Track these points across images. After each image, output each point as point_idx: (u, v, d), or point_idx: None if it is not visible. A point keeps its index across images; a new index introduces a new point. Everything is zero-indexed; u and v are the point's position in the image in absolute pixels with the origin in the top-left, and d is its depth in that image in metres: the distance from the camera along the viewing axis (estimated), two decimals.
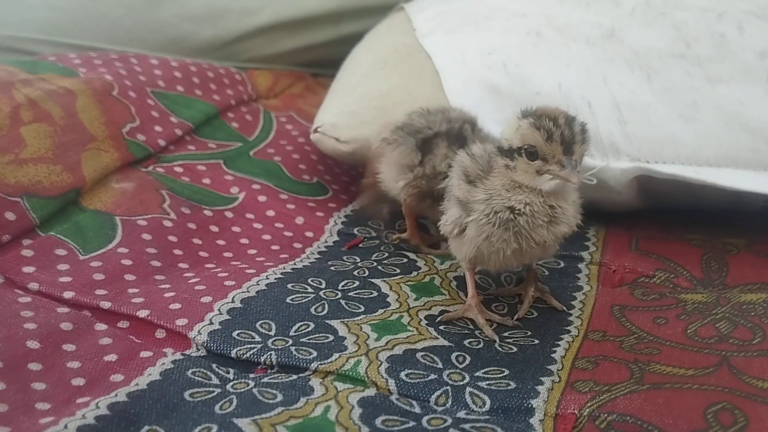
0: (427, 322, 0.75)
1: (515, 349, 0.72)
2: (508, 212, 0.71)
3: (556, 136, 0.68)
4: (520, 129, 0.70)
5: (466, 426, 0.58)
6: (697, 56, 0.96)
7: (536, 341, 0.74)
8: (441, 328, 0.75)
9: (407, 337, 0.72)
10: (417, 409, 0.61)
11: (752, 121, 0.91)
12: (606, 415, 0.61)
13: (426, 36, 1.08)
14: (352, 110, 1.01)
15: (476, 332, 0.75)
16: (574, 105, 0.94)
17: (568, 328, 0.76)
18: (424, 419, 0.59)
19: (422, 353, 0.69)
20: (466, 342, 0.72)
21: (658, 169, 0.91)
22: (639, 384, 0.65)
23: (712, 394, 0.63)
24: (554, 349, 0.72)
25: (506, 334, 0.75)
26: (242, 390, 0.63)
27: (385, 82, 1.03)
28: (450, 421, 0.59)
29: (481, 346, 0.72)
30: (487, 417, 0.61)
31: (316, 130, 1.02)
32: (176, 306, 0.75)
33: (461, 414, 0.61)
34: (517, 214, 0.71)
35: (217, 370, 0.66)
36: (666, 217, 1.02)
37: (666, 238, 0.95)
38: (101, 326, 0.72)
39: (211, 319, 0.73)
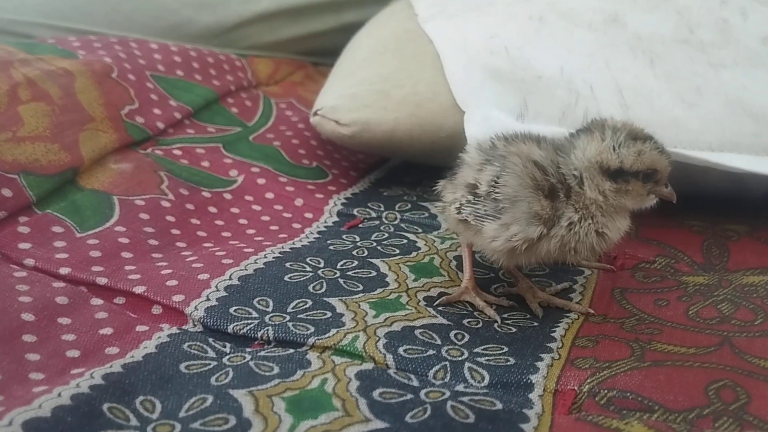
0: (425, 303, 0.75)
1: (514, 330, 0.71)
2: (596, 235, 0.69)
3: (671, 158, 0.69)
4: (645, 153, 0.68)
5: (465, 399, 0.58)
6: (700, 42, 0.95)
7: (535, 323, 0.73)
8: (440, 308, 0.74)
9: (406, 315, 0.71)
10: (415, 383, 0.60)
11: (755, 107, 0.91)
12: (606, 391, 0.61)
13: (427, 21, 1.08)
14: (352, 93, 1.00)
15: (475, 313, 0.74)
16: (576, 89, 0.93)
17: (568, 312, 0.75)
18: (422, 392, 0.59)
19: (421, 330, 0.69)
20: (465, 321, 0.72)
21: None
22: (640, 361, 0.65)
23: (713, 372, 0.63)
24: (554, 329, 0.72)
25: (505, 315, 0.74)
26: (239, 363, 0.62)
27: (385, 66, 1.02)
28: (448, 394, 0.58)
29: (480, 325, 0.71)
30: (486, 391, 0.60)
31: (316, 113, 1.02)
32: (173, 283, 0.75)
33: (460, 387, 0.60)
34: (602, 236, 0.70)
35: (213, 344, 0.66)
36: (667, 204, 1.01)
37: (666, 225, 0.95)
38: (97, 301, 0.71)
39: (208, 296, 0.73)
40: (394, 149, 1.01)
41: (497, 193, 0.69)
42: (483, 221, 0.71)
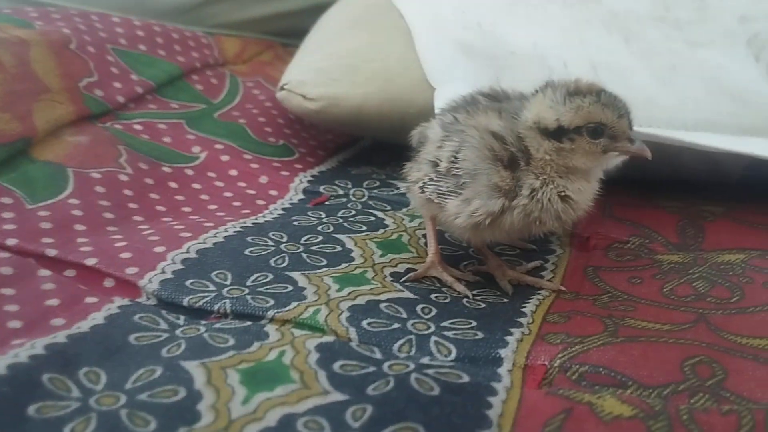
0: (392, 278, 0.72)
1: (484, 305, 0.69)
2: (560, 201, 0.66)
3: (624, 111, 0.65)
4: (583, 108, 0.64)
5: (430, 371, 0.55)
6: (676, 19, 0.94)
7: (505, 300, 0.70)
8: (407, 283, 0.71)
9: (371, 289, 0.68)
10: (378, 355, 0.57)
11: (731, 85, 0.89)
12: (578, 366, 0.58)
13: None
14: (320, 67, 0.97)
15: (444, 288, 0.71)
16: (550, 65, 0.91)
17: (539, 289, 0.73)
18: (385, 365, 0.55)
19: (386, 304, 0.66)
20: (432, 296, 0.69)
21: (636, 131, 0.88)
22: (613, 337, 0.62)
23: (689, 348, 0.61)
24: (525, 305, 0.69)
25: (475, 292, 0.71)
26: (192, 335, 0.59)
27: (355, 40, 0.99)
28: (413, 366, 0.55)
29: (448, 300, 0.69)
30: (453, 364, 0.57)
31: (282, 88, 0.98)
32: (127, 255, 0.71)
33: (425, 360, 0.57)
34: (570, 202, 0.66)
35: (166, 316, 0.62)
36: (642, 186, 0.99)
37: (641, 206, 0.92)
38: (45, 272, 0.67)
39: (163, 268, 0.69)
40: (362, 126, 0.98)
41: (457, 168, 0.67)
42: (446, 198, 0.68)
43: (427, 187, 0.70)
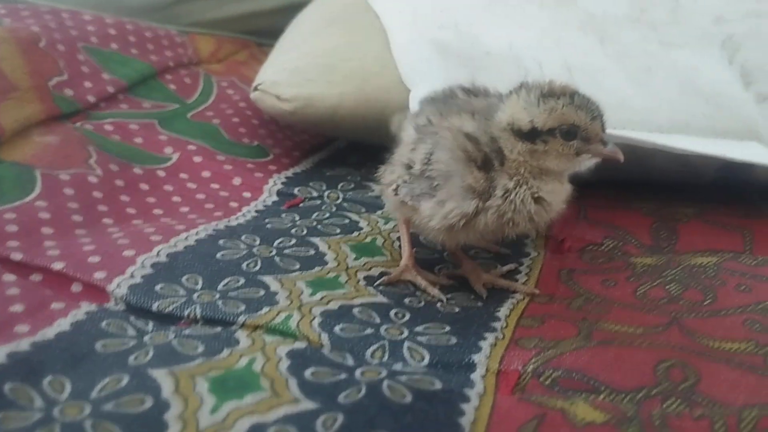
0: (365, 282, 0.71)
1: (458, 309, 0.68)
2: (533, 202, 0.65)
3: (597, 113, 0.64)
4: (557, 110, 0.63)
5: (402, 378, 0.54)
6: (651, 21, 0.94)
7: (479, 304, 0.70)
8: (380, 288, 0.70)
9: (344, 293, 0.67)
10: (350, 362, 0.56)
11: (706, 87, 0.89)
12: (551, 371, 0.58)
13: None
14: (295, 67, 0.96)
15: (417, 293, 0.70)
16: (526, 66, 0.91)
17: (513, 293, 0.72)
18: (357, 371, 0.55)
19: (359, 309, 0.65)
20: (406, 300, 0.68)
21: (608, 133, 0.88)
22: (587, 340, 0.62)
23: (662, 352, 0.60)
24: (498, 309, 0.68)
25: (449, 296, 0.71)
26: (161, 342, 0.58)
27: (331, 39, 0.98)
28: (385, 373, 0.55)
29: (422, 305, 0.68)
30: (425, 370, 0.57)
31: (256, 88, 0.97)
32: (95, 259, 0.69)
33: (398, 367, 0.57)
34: (543, 204, 0.66)
35: (134, 322, 0.61)
36: (616, 187, 0.99)
37: (615, 208, 0.92)
38: (10, 277, 0.66)
39: (132, 273, 0.68)
40: (338, 126, 0.97)
41: (430, 170, 0.66)
42: (419, 201, 0.67)
43: (400, 190, 0.70)
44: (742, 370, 0.58)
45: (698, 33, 0.92)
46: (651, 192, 0.95)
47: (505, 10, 0.96)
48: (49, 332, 0.58)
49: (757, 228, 0.86)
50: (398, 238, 0.79)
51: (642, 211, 0.91)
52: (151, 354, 0.55)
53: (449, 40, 0.93)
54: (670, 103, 0.89)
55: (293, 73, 0.95)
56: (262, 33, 1.39)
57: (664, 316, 0.67)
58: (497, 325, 0.65)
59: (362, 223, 0.83)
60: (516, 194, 0.65)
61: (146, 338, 0.58)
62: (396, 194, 0.70)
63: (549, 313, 0.68)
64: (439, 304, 0.68)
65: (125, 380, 0.52)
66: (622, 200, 0.95)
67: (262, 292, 0.66)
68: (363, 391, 0.52)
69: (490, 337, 0.62)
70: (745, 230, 0.85)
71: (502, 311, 0.68)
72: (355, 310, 0.65)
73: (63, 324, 0.60)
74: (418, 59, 0.93)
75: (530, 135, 0.64)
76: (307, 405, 0.50)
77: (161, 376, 0.52)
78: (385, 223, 0.83)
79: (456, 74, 0.91)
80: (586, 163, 0.66)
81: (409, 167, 0.69)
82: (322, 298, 0.66)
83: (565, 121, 0.64)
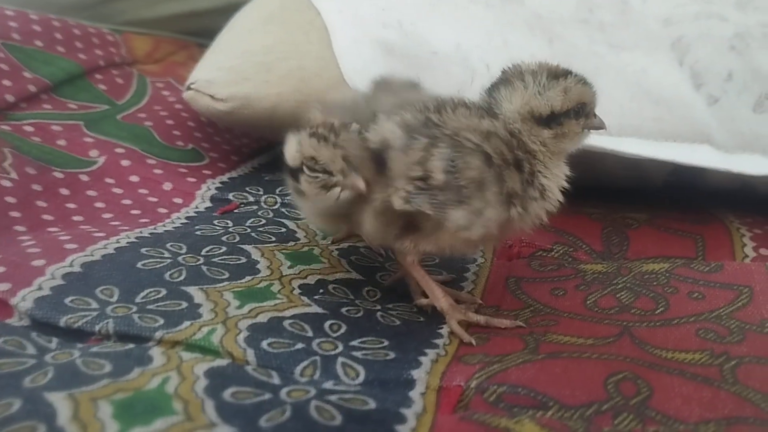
0: (300, 291, 0.66)
1: (398, 322, 0.63)
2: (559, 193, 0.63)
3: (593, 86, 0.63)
4: (570, 89, 0.61)
5: (332, 398, 0.49)
6: (600, 22, 0.91)
7: (422, 318, 0.65)
8: (316, 296, 0.65)
9: (275, 305, 0.62)
10: (276, 380, 0.51)
11: (656, 89, 0.87)
12: (496, 386, 0.53)
13: None
14: (231, 66, 0.90)
15: (356, 301, 0.66)
16: (473, 66, 0.87)
17: (458, 304, 0.68)
18: (283, 391, 0.50)
19: (291, 321, 0.60)
20: (343, 310, 0.63)
21: None
22: (533, 354, 0.58)
23: (612, 364, 0.57)
24: (441, 324, 0.63)
25: (390, 306, 0.66)
26: (63, 361, 0.52)
27: (269, 37, 0.93)
28: (314, 392, 0.50)
29: (360, 315, 0.63)
30: (359, 389, 0.52)
31: (189, 87, 0.91)
32: (0, 269, 0.63)
33: (328, 385, 0.52)
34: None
35: (36, 339, 0.55)
36: (566, 192, 0.96)
37: (564, 212, 0.89)
38: None
39: (40, 284, 0.62)
40: (276, 128, 0.90)
41: (457, 178, 0.57)
42: (444, 209, 0.58)
43: (413, 198, 0.58)
44: (696, 382, 0.55)
45: (647, 35, 0.89)
46: (601, 197, 0.92)
47: (450, 9, 0.92)
48: None
49: (708, 233, 0.84)
50: (337, 250, 0.74)
51: (592, 216, 0.88)
52: (50, 375, 0.50)
53: (393, 39, 0.89)
54: (619, 106, 0.86)
55: (229, 72, 0.90)
56: (202, 33, 1.33)
57: (614, 326, 0.63)
58: (439, 342, 0.60)
59: (299, 233, 0.78)
60: (548, 189, 0.62)
61: (47, 357, 0.52)
62: (408, 203, 0.59)
63: (495, 330, 0.63)
64: (378, 315, 0.64)
65: (17, 405, 0.46)
66: (571, 205, 0.91)
67: (184, 305, 0.60)
68: (288, 413, 0.47)
69: (431, 353, 0.58)
70: (696, 236, 0.83)
71: (446, 327, 0.63)
72: (286, 323, 0.59)
73: None
74: (362, 59, 0.89)
75: (548, 120, 0.61)
76: (224, 430, 0.45)
77: (58, 400, 0.46)
78: (323, 237, 0.78)
79: (401, 74, 0.87)
80: (585, 139, 0.65)
81: (424, 179, 0.58)
82: (250, 311, 0.60)
83: (579, 99, 0.62)
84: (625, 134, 0.86)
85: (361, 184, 0.59)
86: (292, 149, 0.62)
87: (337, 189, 0.60)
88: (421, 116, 0.60)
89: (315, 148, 0.59)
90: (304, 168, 0.60)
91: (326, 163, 0.59)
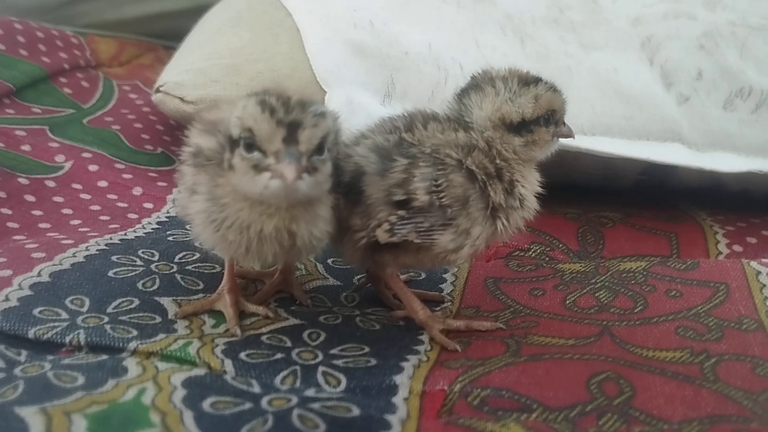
0: (277, 304, 0.64)
1: (378, 327, 0.62)
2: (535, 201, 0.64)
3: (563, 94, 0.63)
4: (541, 96, 0.61)
5: (315, 405, 0.48)
6: (570, 22, 0.91)
7: (401, 323, 0.64)
8: (293, 307, 0.64)
9: (251, 323, 0.60)
10: (256, 389, 0.50)
11: (626, 88, 0.87)
12: (479, 390, 0.53)
13: None
14: (199, 68, 0.89)
15: (334, 308, 0.65)
16: (446, 66, 0.87)
17: (437, 306, 0.67)
18: (264, 400, 0.48)
19: (268, 335, 0.58)
20: (321, 318, 0.62)
21: None
22: (515, 356, 0.57)
23: (594, 364, 0.56)
24: (422, 330, 0.62)
25: (369, 311, 0.65)
26: (33, 374, 0.50)
27: (237, 38, 0.91)
28: (296, 400, 0.49)
29: (339, 321, 0.62)
30: (342, 396, 0.51)
31: (158, 90, 0.89)
32: None
33: (310, 393, 0.50)
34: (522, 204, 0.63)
35: (4, 352, 0.53)
36: (539, 197, 0.96)
37: (540, 212, 0.89)
38: None
39: (7, 295, 0.60)
40: None
41: (442, 198, 0.56)
42: (431, 235, 0.57)
43: (397, 229, 0.57)
44: (678, 381, 0.55)
45: (617, 34, 0.90)
46: (574, 196, 0.92)
47: (421, 9, 0.92)
48: None
49: (682, 231, 0.84)
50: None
51: (567, 215, 0.88)
52: (21, 389, 0.48)
53: (365, 40, 0.88)
54: (591, 105, 0.86)
55: (198, 74, 0.88)
56: (168, 35, 1.31)
57: (594, 326, 0.63)
58: (421, 348, 0.59)
59: None
60: (525, 197, 0.61)
61: (17, 370, 0.50)
62: (392, 235, 0.57)
63: (475, 333, 0.62)
64: (358, 320, 0.63)
65: None
66: (545, 204, 0.91)
67: (158, 319, 0.59)
68: (270, 423, 0.46)
69: (413, 359, 0.57)
70: (671, 234, 0.83)
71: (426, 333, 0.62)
72: (264, 338, 0.58)
73: None
74: (333, 60, 0.88)
75: (519, 127, 0.60)
76: None
77: (30, 414, 0.45)
78: None
79: (373, 75, 0.87)
80: (554, 147, 0.64)
81: (405, 203, 0.56)
82: (226, 331, 0.59)
83: (549, 106, 0.61)
84: (597, 133, 0.86)
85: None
86: (235, 113, 0.52)
87: (266, 175, 0.50)
88: (393, 137, 0.59)
89: (256, 119, 0.51)
90: (241, 141, 0.51)
91: (261, 140, 0.51)
